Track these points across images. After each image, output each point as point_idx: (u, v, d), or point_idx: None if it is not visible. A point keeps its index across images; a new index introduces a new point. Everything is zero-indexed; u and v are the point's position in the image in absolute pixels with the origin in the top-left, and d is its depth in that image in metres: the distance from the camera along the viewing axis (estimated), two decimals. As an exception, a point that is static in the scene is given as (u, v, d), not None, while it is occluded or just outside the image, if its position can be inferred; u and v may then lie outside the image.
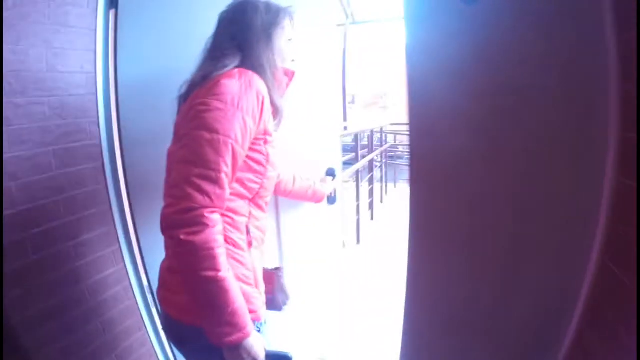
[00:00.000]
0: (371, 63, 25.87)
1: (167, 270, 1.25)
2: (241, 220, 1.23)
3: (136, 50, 1.67)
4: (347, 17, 6.45)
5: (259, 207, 1.30)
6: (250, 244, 1.26)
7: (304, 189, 1.86)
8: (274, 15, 1.30)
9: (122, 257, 1.83)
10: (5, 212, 1.38)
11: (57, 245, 1.56)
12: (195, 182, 1.03)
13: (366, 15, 8.55)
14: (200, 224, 1.02)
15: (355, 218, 4.85)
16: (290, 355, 1.21)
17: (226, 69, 1.18)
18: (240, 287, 1.14)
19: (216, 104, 1.08)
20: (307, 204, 2.09)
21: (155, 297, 1.71)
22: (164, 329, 1.38)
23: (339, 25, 5.48)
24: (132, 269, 1.88)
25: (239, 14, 1.27)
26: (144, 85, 1.69)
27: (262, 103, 1.16)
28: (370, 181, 5.79)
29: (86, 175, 1.66)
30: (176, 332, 1.29)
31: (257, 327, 1.23)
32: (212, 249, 1.03)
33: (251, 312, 1.18)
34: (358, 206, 4.90)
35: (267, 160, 1.23)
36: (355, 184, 4.90)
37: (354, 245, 4.76)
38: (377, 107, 26.56)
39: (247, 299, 1.18)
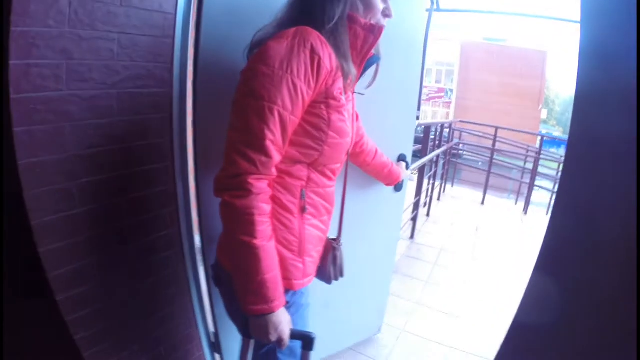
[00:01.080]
0: (443, 54, 25.43)
1: None
2: (295, 184, 1.18)
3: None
4: (432, 3, 6.16)
5: (322, 174, 1.23)
6: (302, 210, 1.21)
7: (381, 166, 1.79)
8: None
9: (178, 219, 1.64)
10: (55, 157, 1.21)
11: (107, 199, 1.37)
12: (241, 150, 1.03)
13: (450, 4, 8.27)
14: (244, 189, 1.02)
15: (413, 213, 4.64)
16: (313, 335, 1.18)
17: (282, 29, 1.10)
18: (280, 251, 1.15)
19: (263, 69, 1.02)
20: (374, 183, 2.00)
21: (205, 266, 1.71)
22: (212, 266, 1.37)
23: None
24: (187, 233, 1.69)
25: None
26: (228, 37, 1.45)
27: (319, 64, 1.06)
28: (433, 177, 5.58)
29: (150, 126, 1.45)
30: (216, 271, 1.32)
31: (289, 296, 1.21)
32: (252, 214, 1.03)
33: (285, 278, 1.17)
34: (418, 201, 4.68)
35: (329, 126, 1.14)
36: (417, 177, 4.73)
37: (407, 239, 4.57)
38: (441, 102, 26.17)
39: (284, 264, 1.17)
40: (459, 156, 8.87)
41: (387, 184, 1.97)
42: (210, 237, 1.65)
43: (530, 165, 7.24)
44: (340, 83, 1.14)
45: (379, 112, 1.74)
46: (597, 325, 1.10)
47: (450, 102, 26.15)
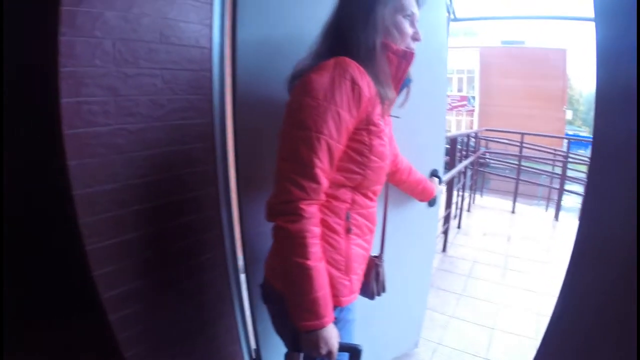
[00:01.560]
0: (462, 61, 25.28)
1: (273, 244, 1.30)
2: (340, 206, 1.24)
3: (257, 28, 1.53)
4: (448, 12, 6.18)
5: (364, 196, 1.29)
6: (347, 231, 1.26)
7: (416, 183, 1.84)
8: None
9: (224, 242, 1.74)
10: (107, 187, 1.31)
11: (156, 224, 1.48)
12: (293, 178, 1.09)
13: (467, 12, 8.27)
14: (297, 214, 1.08)
15: (444, 226, 4.64)
16: (360, 347, 1.23)
17: (321, 61, 1.16)
18: (328, 270, 1.20)
19: (308, 101, 1.09)
20: (409, 200, 2.04)
21: (248, 285, 1.78)
22: (260, 286, 1.42)
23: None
24: (231, 255, 1.78)
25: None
26: (263, 67, 1.55)
27: (359, 93, 1.12)
28: (462, 188, 5.57)
29: (195, 155, 1.56)
30: (265, 290, 1.38)
31: (337, 312, 1.25)
32: (305, 237, 1.09)
33: (333, 296, 1.21)
34: (449, 214, 4.69)
35: (371, 151, 1.20)
36: (446, 190, 4.73)
37: (439, 252, 4.57)
38: (464, 110, 25.96)
39: (332, 282, 1.22)
40: (487, 165, 8.79)
41: (421, 200, 2.01)
42: (253, 258, 1.73)
43: (558, 170, 7.13)
44: (379, 109, 1.20)
45: (409, 129, 1.78)
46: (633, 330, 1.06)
47: (473, 110, 25.91)
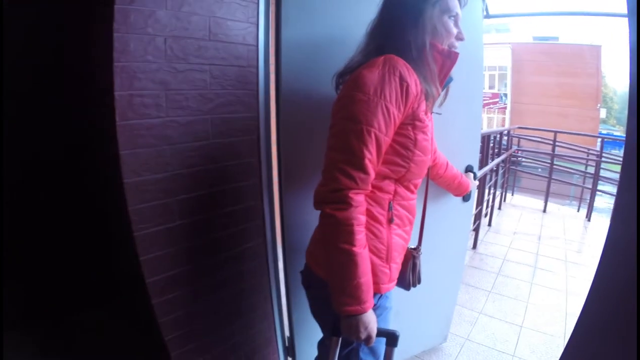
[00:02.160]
0: (494, 58, 24.89)
1: (316, 232, 1.42)
2: (384, 197, 1.30)
3: (300, 27, 1.60)
4: (482, 10, 6.11)
5: (406, 188, 1.35)
6: (389, 221, 1.32)
7: (452, 177, 1.89)
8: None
9: (265, 232, 1.81)
10: (157, 176, 1.40)
11: (203, 213, 1.56)
12: (341, 167, 1.14)
13: (499, 8, 8.16)
14: (345, 202, 1.13)
15: (475, 223, 4.65)
16: (398, 333, 1.29)
17: (370, 58, 1.22)
18: (370, 258, 1.25)
19: (359, 95, 1.14)
20: (444, 195, 2.09)
21: (285, 275, 1.85)
22: (301, 272, 1.49)
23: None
24: (271, 245, 1.86)
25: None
26: (305, 64, 1.62)
27: (407, 90, 1.17)
28: (494, 186, 5.55)
29: (240, 147, 1.63)
30: (306, 276, 1.45)
31: (376, 299, 1.33)
32: (352, 225, 1.14)
33: (373, 283, 1.26)
34: (480, 211, 4.69)
35: (415, 145, 1.26)
36: (478, 187, 4.72)
37: (470, 249, 4.58)
38: (495, 108, 25.58)
39: (373, 270, 1.27)
40: (518, 163, 8.67)
41: (457, 195, 2.04)
42: (292, 248, 1.80)
43: (591, 170, 6.99)
44: (424, 105, 1.25)
45: (446, 125, 1.82)
46: None
47: (505, 107, 25.50)
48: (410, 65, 1.19)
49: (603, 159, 6.68)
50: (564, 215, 6.35)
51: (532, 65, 24.27)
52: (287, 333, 2.09)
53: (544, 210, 6.36)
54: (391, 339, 1.30)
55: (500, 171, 6.15)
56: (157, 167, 1.40)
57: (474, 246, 4.65)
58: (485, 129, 6.23)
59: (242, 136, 1.62)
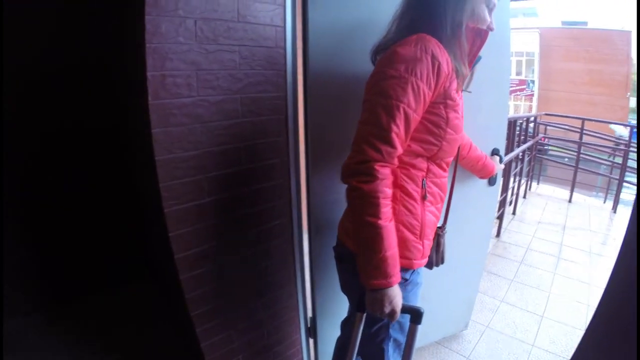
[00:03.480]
0: (522, 43, 24.44)
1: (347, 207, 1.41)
2: (417, 174, 1.35)
3: (328, 8, 1.63)
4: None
5: (439, 166, 1.39)
6: (423, 197, 1.37)
7: (476, 159, 1.93)
8: None
9: (292, 210, 1.87)
10: (188, 153, 1.46)
11: (232, 190, 1.62)
12: (369, 140, 1.17)
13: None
14: (371, 175, 1.16)
15: (499, 211, 4.65)
16: (422, 309, 1.31)
17: (404, 36, 1.25)
18: (404, 234, 1.33)
19: (392, 72, 1.17)
20: (470, 177, 2.12)
21: (311, 254, 1.90)
22: (334, 247, 1.56)
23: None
24: (296, 223, 1.91)
25: None
26: (332, 44, 1.65)
27: (438, 68, 1.19)
28: (519, 174, 5.52)
29: (269, 126, 1.68)
30: (338, 250, 1.52)
31: (408, 274, 1.40)
32: (378, 197, 1.16)
33: (406, 258, 1.35)
34: (505, 198, 4.68)
35: (447, 124, 1.30)
36: (503, 175, 4.71)
37: (493, 237, 4.58)
38: (522, 95, 25.19)
39: (407, 245, 1.35)
40: (545, 152, 8.56)
41: (481, 177, 2.06)
42: (318, 226, 1.86)
43: (619, 160, 6.85)
44: (455, 84, 1.28)
45: (472, 107, 1.82)
46: None
47: (532, 95, 25.07)
48: (443, 43, 1.23)
49: (631, 149, 6.55)
50: (590, 206, 6.28)
51: (561, 51, 23.75)
52: (309, 313, 2.14)
53: (570, 201, 6.29)
54: (415, 315, 1.32)
55: (526, 159, 6.10)
56: (189, 145, 1.47)
57: (498, 234, 4.65)
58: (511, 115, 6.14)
59: (270, 115, 1.67)
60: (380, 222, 1.17)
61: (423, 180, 1.36)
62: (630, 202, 7.10)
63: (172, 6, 1.34)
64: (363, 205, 1.18)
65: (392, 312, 1.26)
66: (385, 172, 1.18)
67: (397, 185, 1.32)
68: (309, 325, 2.18)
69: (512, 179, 5.17)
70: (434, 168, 1.38)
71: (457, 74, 1.28)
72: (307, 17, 1.61)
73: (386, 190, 1.19)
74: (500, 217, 4.66)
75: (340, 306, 1.97)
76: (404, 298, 1.33)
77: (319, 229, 1.85)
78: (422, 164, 1.35)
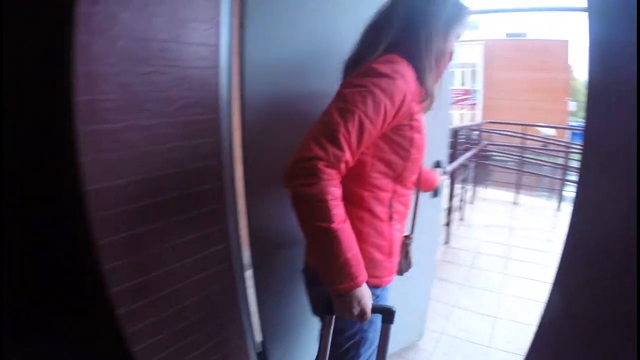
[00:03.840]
0: (466, 55, 25.12)
1: None
2: (385, 196, 1.33)
3: (267, 26, 1.58)
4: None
5: (404, 186, 1.38)
6: (390, 218, 1.36)
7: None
8: (459, 10, 1.29)
9: (229, 235, 1.76)
10: (117, 182, 1.35)
11: (167, 218, 1.51)
12: (316, 137, 1.09)
13: (477, 5, 8.23)
14: (315, 175, 1.06)
15: (447, 218, 4.68)
16: (394, 308, 1.29)
17: (379, 53, 1.24)
18: (373, 254, 1.32)
19: (357, 81, 1.15)
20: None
21: (255, 279, 1.81)
22: (302, 270, 1.53)
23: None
24: (236, 248, 1.81)
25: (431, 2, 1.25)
26: (273, 62, 1.61)
27: (405, 92, 1.18)
28: (465, 181, 5.60)
29: (203, 150, 1.59)
30: (311, 278, 1.47)
31: (378, 291, 1.37)
32: (326, 201, 1.07)
33: (376, 277, 1.35)
34: (451, 207, 4.72)
35: (412, 144, 1.29)
36: (449, 182, 4.76)
37: (442, 244, 4.61)
38: (466, 104, 25.86)
39: (376, 265, 1.34)
40: (489, 157, 8.79)
41: (424, 191, 2.05)
42: (259, 249, 1.79)
43: (561, 161, 7.15)
44: (419, 107, 1.29)
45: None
46: (622, 320, 1.11)
47: (476, 104, 25.79)
48: (416, 67, 1.23)
49: (572, 149, 6.83)
50: (535, 206, 6.49)
51: (504, 61, 24.62)
52: (259, 337, 2.05)
53: (515, 202, 6.47)
54: (387, 315, 1.29)
55: (472, 166, 6.22)
56: (120, 173, 1.36)
57: (447, 241, 4.68)
58: (456, 125, 6.27)
59: (204, 138, 1.59)
60: (333, 225, 1.09)
61: (390, 201, 1.35)
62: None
63: (104, 25, 1.25)
64: (311, 211, 1.10)
65: (362, 313, 1.20)
66: (330, 173, 1.09)
67: (364, 208, 1.30)
68: (259, 351, 2.08)
69: (458, 186, 5.24)
70: (399, 188, 1.36)
71: (430, 98, 1.29)
72: (244, 34, 1.56)
73: (334, 190, 1.11)
74: (448, 224, 4.70)
75: (292, 325, 1.92)
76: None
77: (261, 251, 1.79)
78: (389, 185, 1.33)
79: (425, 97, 1.28)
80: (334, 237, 1.10)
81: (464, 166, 5.41)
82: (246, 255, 1.88)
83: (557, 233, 5.16)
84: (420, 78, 1.24)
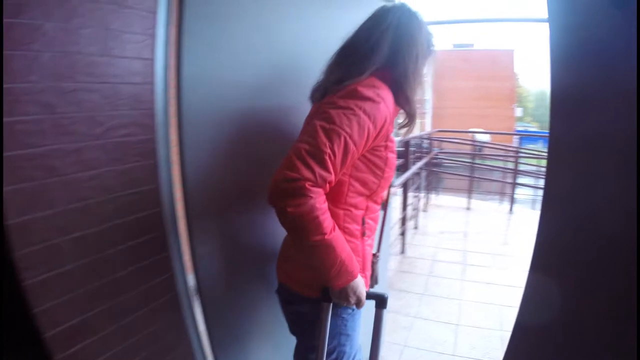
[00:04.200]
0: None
1: (290, 244, 1.48)
2: (358, 214, 1.37)
3: (207, 39, 1.46)
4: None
5: (375, 202, 1.43)
6: (363, 234, 1.40)
7: None
8: (431, 37, 1.38)
9: (173, 264, 1.58)
10: (42, 214, 1.18)
11: (101, 251, 1.34)
12: (303, 156, 1.11)
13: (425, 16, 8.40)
14: (304, 195, 1.10)
15: (401, 227, 4.64)
16: (386, 295, 1.40)
17: (363, 76, 1.27)
18: None
19: (342, 103, 1.19)
20: None
21: (203, 306, 1.69)
22: (277, 292, 1.58)
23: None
24: (181, 278, 1.63)
25: (405, 25, 1.31)
26: (214, 79, 1.49)
27: (387, 115, 1.24)
28: (417, 189, 5.61)
29: (138, 174, 1.42)
30: (284, 294, 1.54)
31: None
32: (317, 217, 1.12)
33: None
34: (405, 216, 4.69)
35: (386, 163, 1.34)
36: (402, 192, 4.74)
37: (398, 254, 4.56)
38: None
39: None
40: (440, 165, 8.95)
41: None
42: (205, 277, 1.65)
43: (511, 165, 7.37)
44: (392, 127, 1.35)
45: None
46: (597, 322, 1.16)
47: (425, 113, 26.35)
48: (403, 92, 1.31)
49: (521, 153, 7.06)
50: (488, 210, 6.59)
51: (452, 71, 25.32)
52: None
53: (468, 208, 6.56)
54: (380, 300, 1.40)
55: (423, 174, 6.27)
56: (44, 204, 1.18)
57: (402, 250, 4.65)
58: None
59: (139, 161, 1.42)
60: (327, 237, 1.15)
61: (363, 218, 1.39)
62: (524, 201, 7.60)
63: (26, 38, 1.09)
64: (305, 229, 1.14)
65: (358, 301, 1.31)
66: (316, 190, 1.13)
67: (339, 226, 1.30)
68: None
69: (411, 195, 5.23)
70: (371, 205, 1.41)
71: (412, 119, 1.39)
72: (182, 47, 1.42)
73: (322, 206, 1.15)
74: (403, 234, 4.66)
75: (245, 346, 1.83)
76: (353, 329, 1.46)
77: (207, 280, 1.65)
78: (363, 203, 1.37)
79: (409, 120, 1.39)
80: (328, 245, 1.16)
81: (416, 175, 5.41)
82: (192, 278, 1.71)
83: (511, 235, 5.25)
84: (407, 102, 1.33)
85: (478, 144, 8.71)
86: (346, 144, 1.15)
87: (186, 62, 1.43)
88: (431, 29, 1.36)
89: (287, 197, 1.10)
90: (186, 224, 1.57)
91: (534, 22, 6.20)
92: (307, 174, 1.10)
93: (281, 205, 1.11)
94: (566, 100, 1.18)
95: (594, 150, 1.12)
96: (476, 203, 6.85)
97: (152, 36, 1.40)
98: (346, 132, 1.14)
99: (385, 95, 1.24)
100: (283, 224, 1.17)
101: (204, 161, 1.53)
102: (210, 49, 1.47)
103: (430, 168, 6.94)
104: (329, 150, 1.12)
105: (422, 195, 6.23)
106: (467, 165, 7.38)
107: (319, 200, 1.13)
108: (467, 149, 7.52)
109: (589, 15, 1.07)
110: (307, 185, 1.09)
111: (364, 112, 1.17)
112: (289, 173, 1.10)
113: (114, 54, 1.30)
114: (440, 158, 8.47)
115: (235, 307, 1.78)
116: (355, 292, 1.27)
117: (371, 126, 1.19)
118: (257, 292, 1.83)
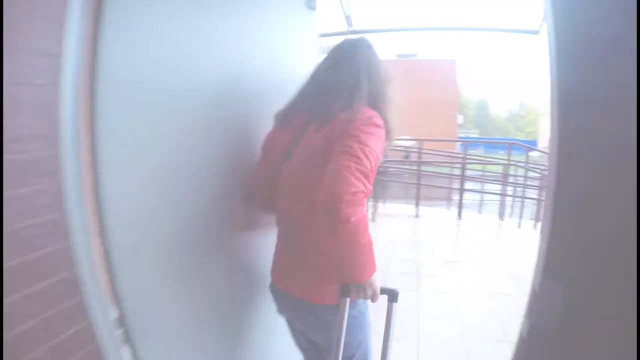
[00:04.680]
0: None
1: (314, 259, 1.49)
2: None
3: (129, 32, 1.21)
4: (348, 25, 6.18)
5: None
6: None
7: None
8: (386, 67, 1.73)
9: (90, 310, 1.24)
10: None
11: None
12: (356, 174, 1.27)
13: (367, 25, 8.39)
14: (362, 204, 1.27)
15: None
16: (397, 290, 1.51)
17: (359, 104, 1.48)
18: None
19: (367, 128, 1.38)
20: None
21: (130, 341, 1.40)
22: (281, 303, 1.69)
23: (340, 33, 5.59)
24: (103, 325, 1.27)
25: (376, 62, 1.65)
26: (139, 82, 1.24)
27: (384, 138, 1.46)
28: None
29: (40, 200, 1.09)
30: (311, 310, 1.55)
31: (364, 307, 1.60)
32: (367, 222, 1.31)
33: None
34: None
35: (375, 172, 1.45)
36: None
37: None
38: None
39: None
40: (386, 173, 8.95)
41: None
42: (135, 322, 1.36)
43: (456, 171, 7.47)
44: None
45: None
46: (596, 327, 1.16)
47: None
48: (384, 115, 1.51)
49: (466, 160, 7.17)
50: (436, 216, 6.61)
51: (395, 80, 25.76)
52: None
53: (417, 215, 6.54)
54: (392, 295, 1.51)
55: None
56: None
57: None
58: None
59: (40, 184, 1.09)
60: (371, 238, 1.32)
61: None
62: (470, 205, 7.74)
63: None
64: (362, 233, 1.28)
65: (374, 294, 1.41)
66: (366, 200, 1.33)
67: None
68: None
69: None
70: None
71: (392, 135, 1.57)
72: (99, 43, 1.15)
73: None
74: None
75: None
76: (363, 329, 1.61)
77: (138, 324, 1.36)
78: (367, 203, 1.58)
79: (389, 136, 1.53)
80: (371, 245, 1.33)
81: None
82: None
83: (461, 240, 5.25)
84: (389, 123, 1.51)
85: (405, 149, 8.85)
86: (376, 162, 1.36)
87: (104, 60, 1.15)
88: (376, 41, 1.67)
89: (351, 207, 1.23)
90: (105, 261, 1.26)
91: (475, 31, 6.28)
92: (362, 187, 1.26)
93: (346, 215, 1.22)
94: (572, 102, 1.18)
95: (601, 153, 1.13)
96: (425, 210, 6.85)
97: (60, 27, 1.10)
98: (376, 152, 1.35)
99: (382, 125, 1.45)
100: (341, 231, 1.26)
101: (123, 180, 1.26)
102: (137, 44, 1.22)
103: (377, 177, 6.85)
104: (370, 167, 1.31)
105: (369, 204, 6.11)
106: (414, 173, 7.40)
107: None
108: (414, 156, 7.54)
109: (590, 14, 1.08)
110: (363, 197, 1.27)
111: (379, 137, 1.41)
112: (349, 187, 1.24)
113: (10, 47, 0.98)
114: (385, 166, 8.46)
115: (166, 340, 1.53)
116: (372, 286, 1.38)
117: (381, 146, 1.42)
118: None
